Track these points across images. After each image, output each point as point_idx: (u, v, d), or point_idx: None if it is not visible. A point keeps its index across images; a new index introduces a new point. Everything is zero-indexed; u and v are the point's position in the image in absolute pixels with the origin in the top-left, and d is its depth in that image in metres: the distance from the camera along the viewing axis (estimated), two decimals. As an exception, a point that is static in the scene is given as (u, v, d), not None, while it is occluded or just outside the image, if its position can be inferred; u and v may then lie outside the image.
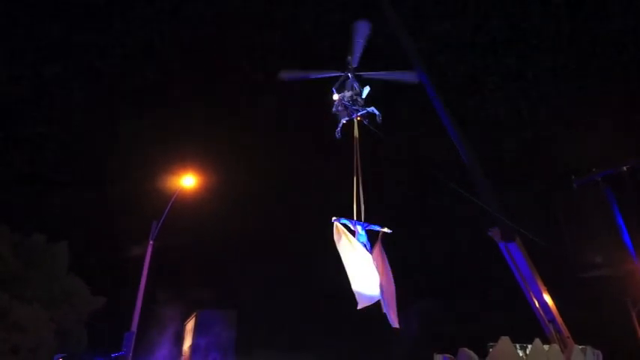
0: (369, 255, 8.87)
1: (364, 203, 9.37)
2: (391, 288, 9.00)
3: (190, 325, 38.91)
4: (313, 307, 40.22)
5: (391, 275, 9.11)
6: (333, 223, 9.00)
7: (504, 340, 16.22)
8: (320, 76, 10.39)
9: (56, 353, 27.33)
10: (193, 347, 36.55)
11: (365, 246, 8.94)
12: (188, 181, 18.75)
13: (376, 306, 8.86)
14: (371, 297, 8.63)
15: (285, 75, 10.45)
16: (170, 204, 18.02)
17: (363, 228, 9.07)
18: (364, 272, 8.64)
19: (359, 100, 10.11)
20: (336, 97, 10.13)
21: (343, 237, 8.84)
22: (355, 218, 9.25)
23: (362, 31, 10.10)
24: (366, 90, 10.26)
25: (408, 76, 10.42)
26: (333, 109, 10.21)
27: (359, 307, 8.64)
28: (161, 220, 17.82)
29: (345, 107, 10.12)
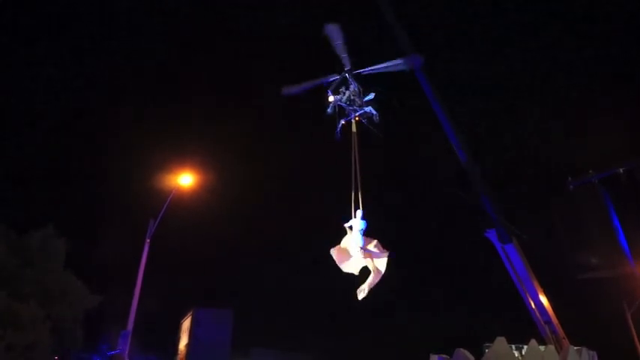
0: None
1: (362, 200, 9.63)
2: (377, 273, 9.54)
3: (186, 323, 38.83)
4: (311, 307, 40.26)
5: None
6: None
7: (500, 341, 16.27)
8: (320, 82, 10.47)
9: (53, 352, 27.28)
10: (189, 346, 36.47)
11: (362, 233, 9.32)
12: (186, 179, 18.65)
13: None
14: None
15: (287, 90, 10.61)
16: (167, 202, 17.94)
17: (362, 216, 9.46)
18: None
19: (357, 100, 10.11)
20: (331, 98, 10.13)
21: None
22: (354, 209, 9.64)
23: (334, 34, 10.09)
24: (371, 96, 10.33)
25: (401, 64, 10.36)
26: (329, 111, 10.22)
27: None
28: (158, 219, 17.73)
29: (342, 108, 10.16)
